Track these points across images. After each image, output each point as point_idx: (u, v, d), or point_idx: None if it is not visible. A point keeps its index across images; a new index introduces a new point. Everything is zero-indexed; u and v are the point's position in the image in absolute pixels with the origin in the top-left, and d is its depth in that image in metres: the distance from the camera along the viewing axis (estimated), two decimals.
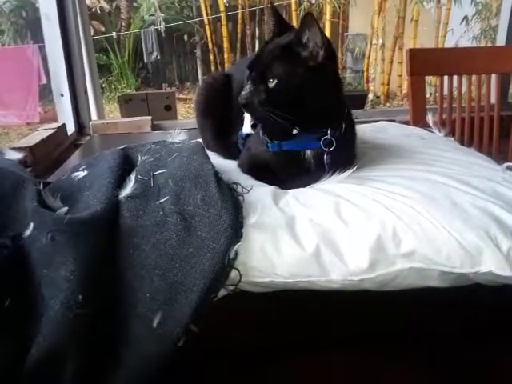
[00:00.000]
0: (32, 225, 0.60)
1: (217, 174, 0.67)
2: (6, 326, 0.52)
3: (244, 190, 0.67)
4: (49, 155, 1.52)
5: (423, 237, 0.60)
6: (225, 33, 6.24)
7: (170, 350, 0.56)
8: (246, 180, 0.77)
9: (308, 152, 0.78)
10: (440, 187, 0.69)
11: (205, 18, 6.49)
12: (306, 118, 0.74)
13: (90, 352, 0.55)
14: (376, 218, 0.62)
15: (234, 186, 0.68)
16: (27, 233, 0.60)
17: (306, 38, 0.71)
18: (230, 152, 0.95)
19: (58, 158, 1.52)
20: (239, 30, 6.65)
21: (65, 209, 0.66)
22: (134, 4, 7.57)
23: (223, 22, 6.19)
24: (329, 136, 0.75)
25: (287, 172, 0.79)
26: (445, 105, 1.68)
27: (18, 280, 0.56)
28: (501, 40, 2.17)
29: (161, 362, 0.56)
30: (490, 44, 5.08)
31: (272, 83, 0.72)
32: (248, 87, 0.75)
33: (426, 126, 1.24)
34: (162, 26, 7.10)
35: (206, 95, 1.00)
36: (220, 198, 0.63)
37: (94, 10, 6.83)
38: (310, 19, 0.70)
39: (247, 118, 0.88)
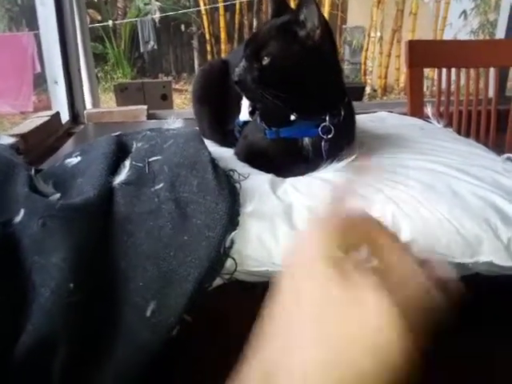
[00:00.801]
0: (23, 211, 0.58)
1: (213, 161, 0.66)
2: None
3: (241, 177, 0.66)
4: (42, 143, 1.50)
5: (423, 225, 0.59)
6: (222, 23, 6.19)
7: (164, 339, 0.55)
8: (242, 168, 0.76)
9: (306, 139, 0.76)
10: (440, 176, 0.68)
11: (202, 7, 6.43)
12: (302, 102, 0.73)
13: (81, 341, 0.53)
14: (375, 205, 0.61)
15: (231, 173, 0.67)
16: (18, 219, 0.58)
17: (303, 17, 0.70)
18: (226, 140, 0.94)
19: (52, 146, 1.50)
20: (237, 21, 6.60)
21: (57, 195, 0.64)
22: None
23: (221, 12, 6.14)
24: (327, 123, 0.74)
25: (285, 160, 0.77)
26: (442, 98, 1.68)
27: (8, 267, 0.55)
28: (500, 33, 2.16)
29: (154, 352, 0.55)
30: (488, 38, 5.08)
31: (266, 61, 0.71)
32: (242, 64, 0.73)
33: (424, 117, 1.23)
34: (157, 16, 7.03)
35: (203, 82, 0.98)
36: (216, 185, 0.62)
37: None
38: None
39: (245, 105, 0.86)
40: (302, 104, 0.73)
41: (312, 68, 0.71)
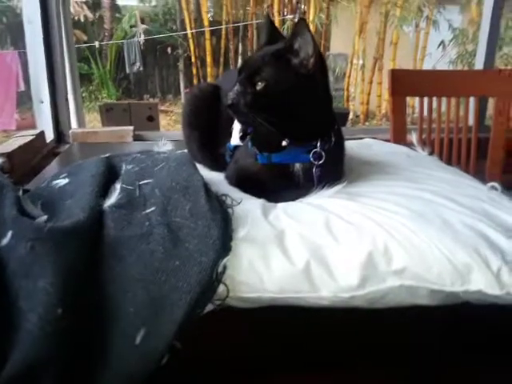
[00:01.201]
0: (10, 233, 0.57)
1: (206, 186, 0.65)
2: None
3: (234, 203, 0.66)
4: (26, 162, 1.48)
5: (414, 254, 0.59)
6: (208, 47, 6.26)
7: (153, 368, 0.54)
8: (233, 192, 0.76)
9: (297, 165, 0.77)
10: (430, 205, 0.69)
11: (188, 31, 6.52)
12: (294, 127, 0.74)
13: (68, 368, 0.52)
14: (367, 234, 0.62)
15: (223, 197, 0.67)
16: (4, 241, 0.57)
17: (298, 46, 0.71)
18: (216, 164, 0.94)
19: (36, 166, 1.48)
20: (222, 45, 6.68)
21: (44, 217, 0.63)
22: (117, 15, 7.57)
23: (207, 36, 6.22)
24: (318, 149, 0.75)
25: (276, 185, 0.78)
26: (424, 125, 1.72)
27: None
28: (479, 64, 2.24)
29: (143, 381, 0.53)
30: (466, 68, 5.26)
31: (260, 86, 0.72)
32: (236, 89, 0.74)
33: (407, 144, 1.26)
34: (142, 38, 7.10)
35: (193, 106, 0.99)
36: (209, 210, 0.62)
37: (77, 18, 6.78)
38: (303, 26, 0.70)
39: (236, 130, 0.87)
40: (294, 130, 0.74)
41: (304, 95, 0.73)
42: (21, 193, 0.64)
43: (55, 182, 0.78)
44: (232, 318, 0.63)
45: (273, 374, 0.68)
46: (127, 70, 7.15)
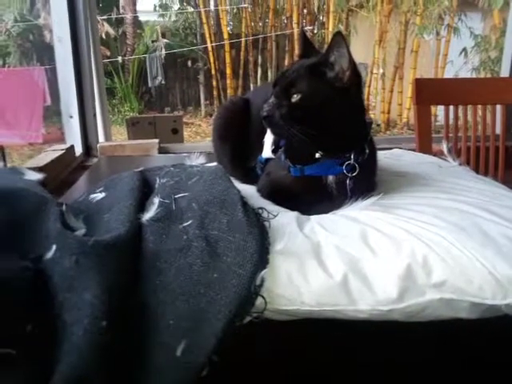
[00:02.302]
0: (54, 247, 0.59)
1: (242, 199, 0.66)
2: (27, 353, 0.50)
3: (270, 216, 0.66)
4: (58, 176, 1.51)
5: (455, 267, 0.58)
6: (228, 59, 6.35)
7: (193, 380, 0.54)
8: (267, 205, 0.76)
9: (330, 177, 0.77)
10: (467, 216, 0.68)
11: (208, 44, 6.62)
12: (328, 140, 0.74)
13: (111, 381, 0.52)
14: (405, 246, 0.61)
15: (260, 211, 0.67)
16: (49, 255, 0.58)
17: (334, 59, 0.72)
18: (247, 177, 0.95)
19: (67, 180, 1.51)
20: (242, 57, 6.76)
21: (83, 230, 0.64)
22: (139, 31, 7.74)
23: (227, 49, 6.32)
24: (352, 161, 0.75)
25: (309, 197, 0.78)
26: (450, 134, 1.70)
27: (39, 304, 0.55)
28: (505, 71, 2.20)
29: None
30: (489, 75, 5.18)
31: (295, 98, 0.73)
32: (271, 101, 0.75)
33: (434, 154, 1.25)
34: (163, 52, 7.24)
35: (225, 119, 1.00)
36: (246, 223, 0.62)
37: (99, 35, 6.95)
38: (339, 39, 0.71)
39: (267, 143, 0.87)
40: (328, 142, 0.75)
41: (339, 108, 0.73)
42: (64, 207, 0.66)
43: (92, 196, 0.80)
44: (268, 330, 0.63)
45: None
46: (149, 84, 7.30)
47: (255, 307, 0.59)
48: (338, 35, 0.71)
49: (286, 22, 6.63)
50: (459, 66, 5.36)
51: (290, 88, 0.74)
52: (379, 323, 0.61)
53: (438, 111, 3.21)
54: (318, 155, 0.76)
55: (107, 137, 2.22)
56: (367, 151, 0.77)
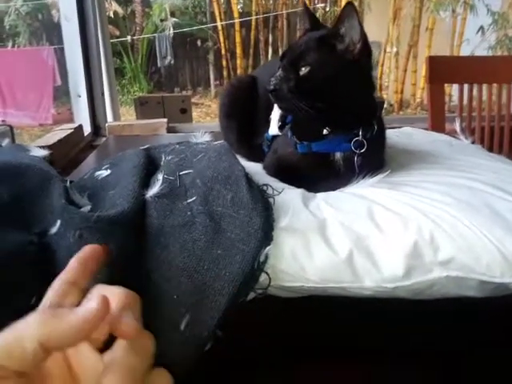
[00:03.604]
0: (59, 222, 0.59)
1: (247, 176, 0.65)
2: None
3: (275, 192, 0.65)
4: (66, 155, 1.52)
5: (462, 244, 0.57)
6: (238, 39, 6.27)
7: (196, 354, 0.55)
8: (273, 182, 0.76)
9: (338, 154, 0.76)
10: (477, 193, 0.66)
11: (218, 23, 6.53)
12: (336, 114, 0.73)
13: None
14: (412, 223, 0.60)
15: (265, 187, 0.66)
16: (53, 230, 0.59)
17: (344, 31, 0.70)
18: (253, 154, 0.94)
19: (75, 158, 1.52)
20: (252, 37, 6.67)
21: (88, 206, 0.65)
22: (147, 9, 7.66)
23: (237, 28, 6.23)
24: (360, 137, 0.74)
25: (316, 174, 0.77)
26: (464, 113, 1.67)
27: (44, 277, 0.55)
28: None
29: (184, 368, 0.54)
30: (506, 53, 5.05)
31: (304, 71, 0.71)
32: (278, 74, 0.73)
33: (447, 133, 1.22)
34: (171, 32, 7.16)
35: (231, 96, 0.99)
36: (250, 200, 0.62)
37: (107, 14, 6.89)
38: (350, 10, 0.68)
39: (274, 120, 0.86)
40: (336, 117, 0.73)
41: (349, 82, 0.71)
42: (68, 183, 0.66)
43: (98, 173, 0.79)
44: (271, 306, 0.63)
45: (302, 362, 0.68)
46: (158, 64, 7.25)
47: (259, 284, 0.58)
48: (349, 6, 0.68)
49: (297, 0, 6.51)
50: (475, 45, 5.22)
51: (298, 61, 0.72)
52: (384, 300, 0.60)
53: (453, 91, 3.16)
54: (325, 131, 0.75)
55: (116, 116, 2.23)
56: (376, 128, 0.75)
